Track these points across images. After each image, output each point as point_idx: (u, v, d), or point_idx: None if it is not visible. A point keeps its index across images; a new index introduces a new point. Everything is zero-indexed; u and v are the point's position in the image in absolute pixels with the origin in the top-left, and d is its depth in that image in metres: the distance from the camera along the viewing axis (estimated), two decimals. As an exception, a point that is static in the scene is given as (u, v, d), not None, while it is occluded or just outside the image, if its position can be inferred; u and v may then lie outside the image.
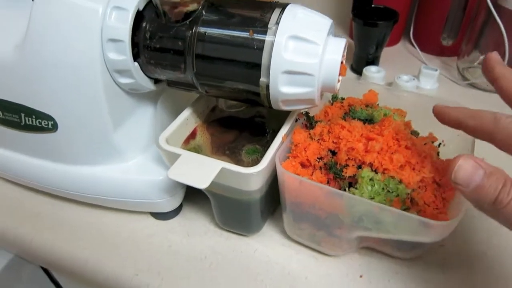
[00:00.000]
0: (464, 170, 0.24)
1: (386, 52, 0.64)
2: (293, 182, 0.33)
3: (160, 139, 0.35)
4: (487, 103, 0.56)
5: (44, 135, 0.38)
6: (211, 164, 0.33)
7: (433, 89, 0.59)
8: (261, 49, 0.30)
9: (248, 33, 0.30)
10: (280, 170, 0.33)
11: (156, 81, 0.38)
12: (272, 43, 0.29)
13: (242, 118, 0.42)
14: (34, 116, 0.37)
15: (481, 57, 0.59)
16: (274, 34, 0.29)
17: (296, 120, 0.38)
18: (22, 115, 0.38)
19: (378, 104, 0.42)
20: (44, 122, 0.37)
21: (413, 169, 0.33)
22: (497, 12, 0.53)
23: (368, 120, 0.39)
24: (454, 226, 0.29)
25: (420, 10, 0.67)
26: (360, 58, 0.62)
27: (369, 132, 0.35)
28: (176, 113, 0.42)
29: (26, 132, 0.39)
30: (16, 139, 0.40)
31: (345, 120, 0.39)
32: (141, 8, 0.33)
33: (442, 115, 0.30)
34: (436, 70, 0.58)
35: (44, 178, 0.41)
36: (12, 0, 0.42)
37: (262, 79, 0.31)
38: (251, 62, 0.30)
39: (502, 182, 0.23)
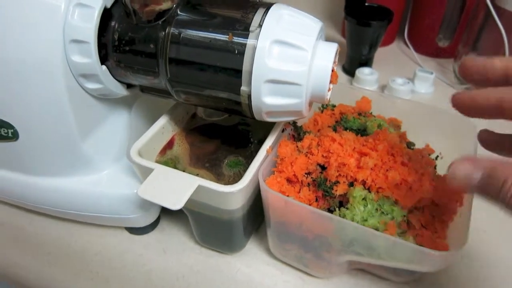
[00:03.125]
0: (462, 168, 0.22)
1: (380, 53, 0.60)
2: (278, 201, 0.30)
3: (131, 150, 0.32)
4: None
5: (3, 144, 0.34)
6: (186, 181, 0.29)
7: (429, 93, 0.56)
8: (241, 54, 0.26)
9: (227, 36, 0.27)
10: (263, 188, 0.30)
11: (129, 86, 0.34)
12: (254, 48, 0.26)
13: (224, 126, 0.38)
14: (-9, 123, 0.33)
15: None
16: (257, 37, 0.26)
17: (283, 131, 0.35)
18: (-22, 121, 0.34)
19: (371, 113, 0.39)
20: (3, 130, 0.33)
21: (410, 188, 0.30)
22: (496, 13, 0.50)
23: (361, 131, 0.36)
24: (457, 257, 0.26)
25: (415, 9, 0.64)
26: (353, 59, 0.59)
27: (362, 146, 0.32)
28: (153, 119, 0.39)
29: (-18, 140, 0.35)
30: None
31: (336, 131, 0.35)
32: (108, 6, 0.30)
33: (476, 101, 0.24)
34: (432, 73, 0.55)
35: (5, 189, 0.37)
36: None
37: (243, 88, 0.27)
38: (230, 69, 0.27)
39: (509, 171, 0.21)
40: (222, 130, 0.38)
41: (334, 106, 0.39)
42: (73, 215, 0.37)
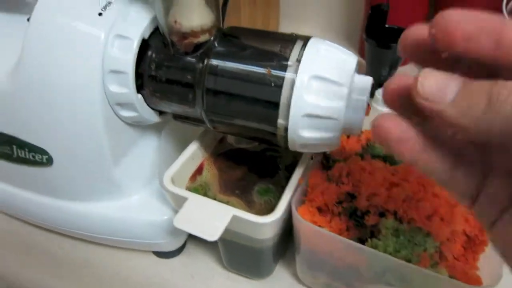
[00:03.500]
0: (434, 79, 0.16)
1: (398, 72, 0.61)
2: (310, 231, 0.30)
3: (164, 178, 0.32)
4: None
5: (37, 169, 0.35)
6: (221, 211, 0.30)
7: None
8: (279, 88, 0.27)
9: (265, 70, 0.27)
10: (297, 218, 0.30)
11: (161, 112, 0.35)
12: (293, 83, 0.26)
13: (252, 151, 0.39)
14: (27, 149, 0.34)
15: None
16: (295, 72, 0.26)
17: (312, 158, 0.35)
18: (14, 147, 0.34)
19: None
20: (38, 156, 0.34)
21: (442, 219, 0.30)
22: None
23: (389, 158, 0.36)
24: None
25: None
26: (373, 80, 0.59)
27: (392, 175, 0.32)
28: (182, 144, 0.39)
29: (18, 165, 0.35)
30: (7, 170, 0.37)
31: (363, 158, 0.36)
32: (146, 37, 0.30)
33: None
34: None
35: (37, 213, 0.38)
36: (5, 20, 0.39)
37: (280, 121, 0.28)
38: (268, 102, 0.28)
39: (488, 84, 0.15)
40: (250, 156, 0.39)
41: (361, 131, 0.39)
42: (103, 239, 0.37)
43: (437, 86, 0.16)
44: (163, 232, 0.36)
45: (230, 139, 0.38)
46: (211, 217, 0.29)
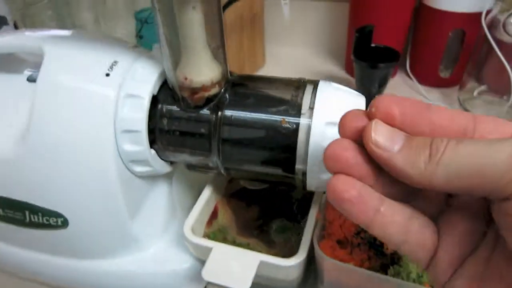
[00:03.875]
0: (385, 129, 0.18)
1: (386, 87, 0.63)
2: (334, 266, 0.31)
3: (185, 229, 0.32)
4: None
5: (52, 232, 0.34)
6: (247, 258, 0.30)
7: (439, 125, 0.58)
8: (295, 135, 0.28)
9: (280, 119, 0.28)
10: (320, 255, 0.31)
11: (172, 162, 0.35)
12: (308, 129, 0.27)
13: (261, 189, 0.39)
14: (40, 214, 0.33)
15: (481, 87, 0.60)
16: (310, 118, 0.27)
17: (324, 192, 0.36)
18: (27, 212, 0.34)
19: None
20: (53, 219, 0.33)
21: (458, 241, 0.32)
22: (497, 46, 0.53)
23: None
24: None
25: (415, 44, 0.67)
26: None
27: (406, 202, 0.33)
28: (192, 187, 0.40)
29: (31, 229, 0.35)
30: (19, 235, 0.36)
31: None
32: (155, 93, 0.31)
33: None
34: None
35: (53, 274, 0.37)
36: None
37: (298, 166, 0.28)
38: (284, 149, 0.28)
39: (428, 139, 0.17)
40: (262, 193, 0.39)
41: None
42: (124, 294, 0.37)
43: (387, 135, 0.18)
44: (186, 280, 0.36)
45: (243, 181, 0.39)
46: (239, 265, 0.30)
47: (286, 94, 0.29)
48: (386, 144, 0.18)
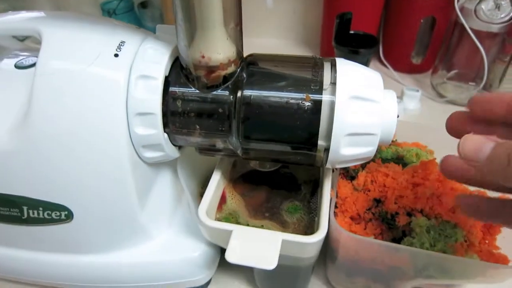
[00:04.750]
0: (471, 142, 0.22)
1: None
2: (350, 241, 0.32)
3: (200, 215, 0.31)
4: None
5: (54, 227, 0.32)
6: (269, 238, 0.30)
7: (416, 109, 0.61)
8: (318, 111, 0.28)
9: (302, 95, 0.28)
10: (338, 230, 0.31)
11: (180, 147, 0.34)
12: (331, 105, 0.27)
13: (267, 171, 0.39)
14: (40, 208, 0.31)
15: (452, 72, 0.63)
16: (332, 95, 0.28)
17: (333, 171, 0.36)
18: (24, 208, 0.31)
19: (396, 140, 0.42)
20: (55, 213, 0.31)
21: (463, 209, 0.33)
22: (466, 33, 0.56)
23: (398, 159, 0.39)
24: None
25: (387, 31, 0.69)
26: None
27: (412, 177, 0.35)
28: (195, 174, 0.39)
29: (30, 226, 0.32)
30: (15, 234, 0.33)
31: (374, 161, 0.38)
32: (167, 74, 0.30)
33: None
34: (418, 90, 0.60)
35: (57, 274, 0.35)
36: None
37: (321, 142, 0.29)
38: (307, 126, 0.28)
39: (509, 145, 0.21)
40: (266, 176, 0.39)
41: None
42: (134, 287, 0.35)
43: (473, 148, 0.22)
44: (198, 268, 0.35)
45: (254, 163, 0.38)
46: (262, 245, 0.29)
47: (304, 71, 0.29)
48: (473, 156, 0.22)
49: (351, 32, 0.61)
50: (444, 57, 0.62)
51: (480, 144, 0.22)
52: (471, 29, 0.56)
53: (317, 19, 0.73)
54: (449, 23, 0.60)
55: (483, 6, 0.55)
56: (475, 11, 0.54)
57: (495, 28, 0.55)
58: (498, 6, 0.55)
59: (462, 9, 0.57)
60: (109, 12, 0.75)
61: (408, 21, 0.65)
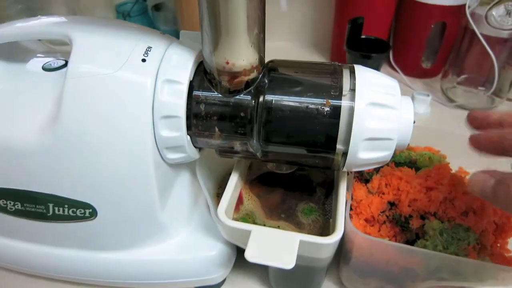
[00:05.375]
0: (476, 181, 0.27)
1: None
2: (364, 242, 0.33)
3: (219, 214, 0.32)
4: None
5: (78, 224, 0.33)
6: (287, 238, 0.31)
7: (426, 113, 0.62)
8: (338, 116, 0.29)
9: (323, 100, 0.29)
10: (353, 231, 0.32)
11: (200, 148, 0.35)
12: (350, 111, 0.28)
13: (283, 173, 0.40)
14: (66, 206, 0.32)
15: (462, 77, 0.64)
16: (351, 101, 0.29)
17: (348, 174, 0.37)
18: (50, 205, 0.33)
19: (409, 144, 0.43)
20: (80, 211, 0.32)
21: (475, 213, 0.34)
22: (476, 38, 0.57)
23: (411, 163, 0.40)
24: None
25: (398, 36, 0.70)
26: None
27: (426, 181, 0.36)
28: (212, 175, 0.40)
29: (54, 223, 0.33)
30: (40, 230, 0.35)
31: (388, 165, 0.39)
32: (191, 78, 0.31)
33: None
34: (428, 95, 0.61)
35: (78, 269, 0.36)
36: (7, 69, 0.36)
37: (339, 147, 0.30)
38: (327, 130, 0.29)
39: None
40: (282, 178, 0.40)
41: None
42: (154, 285, 0.36)
43: (479, 183, 0.27)
44: (214, 266, 0.36)
45: (271, 166, 0.39)
46: (280, 245, 0.30)
47: (324, 78, 0.30)
48: (480, 193, 0.27)
49: (363, 36, 0.62)
50: (454, 62, 0.63)
51: (484, 181, 0.26)
52: (481, 34, 0.56)
53: (329, 23, 0.74)
54: (459, 28, 0.61)
55: (494, 12, 0.55)
56: (486, 17, 0.55)
57: (505, 34, 0.56)
58: (509, 12, 0.55)
59: (473, 14, 0.58)
60: (123, 14, 0.76)
61: (419, 26, 0.66)
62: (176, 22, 0.76)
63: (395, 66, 0.70)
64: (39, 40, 0.49)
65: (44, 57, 0.37)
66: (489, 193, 0.26)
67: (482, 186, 0.27)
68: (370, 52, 0.59)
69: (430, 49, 0.68)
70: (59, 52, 0.39)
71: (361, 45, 0.60)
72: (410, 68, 0.70)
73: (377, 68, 0.60)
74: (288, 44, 0.81)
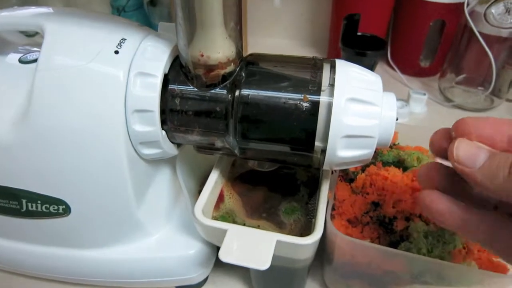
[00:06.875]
0: (465, 148, 0.21)
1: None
2: (347, 243, 0.32)
3: (196, 213, 0.31)
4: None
5: (51, 221, 0.32)
6: (263, 238, 0.30)
7: (422, 113, 0.60)
8: (316, 112, 0.28)
9: (300, 96, 0.28)
10: (333, 233, 0.31)
11: (179, 144, 0.34)
12: (329, 107, 0.27)
13: (267, 171, 0.39)
14: (39, 202, 0.32)
15: (461, 76, 0.62)
16: (330, 96, 0.27)
17: (332, 173, 0.36)
18: (23, 201, 0.32)
19: (398, 143, 0.42)
20: (53, 207, 0.32)
21: (463, 215, 0.33)
22: (475, 37, 0.55)
23: (399, 163, 0.38)
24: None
25: (396, 34, 0.69)
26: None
27: (412, 181, 0.34)
28: (194, 172, 0.39)
29: (27, 219, 0.33)
30: (13, 227, 0.34)
31: (374, 165, 0.38)
32: (166, 71, 0.30)
33: None
34: (425, 94, 0.60)
35: (53, 267, 0.35)
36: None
37: (318, 144, 0.28)
38: (305, 126, 0.28)
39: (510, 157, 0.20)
40: (266, 176, 0.39)
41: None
42: (130, 283, 0.36)
43: (468, 154, 0.21)
44: (193, 266, 0.35)
45: (252, 163, 0.38)
46: (256, 245, 0.29)
47: (303, 72, 0.29)
48: (467, 161, 0.21)
49: (359, 33, 0.60)
50: (452, 61, 0.61)
51: (476, 150, 0.21)
52: (480, 33, 0.55)
53: (326, 20, 0.73)
54: (458, 26, 0.59)
55: (493, 10, 0.54)
56: (484, 15, 0.54)
57: (504, 33, 0.54)
58: (508, 11, 0.54)
59: (471, 13, 0.56)
60: (118, 9, 0.76)
61: (417, 24, 0.64)
62: (171, 17, 0.75)
63: (393, 64, 0.69)
64: (33, 35, 0.48)
65: (23, 50, 0.37)
66: (478, 166, 0.20)
67: (472, 155, 0.21)
68: (366, 49, 0.57)
69: (429, 48, 0.67)
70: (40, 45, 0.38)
71: (357, 42, 0.59)
72: (408, 66, 0.69)
73: (372, 65, 0.59)
74: (285, 41, 0.80)
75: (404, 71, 0.68)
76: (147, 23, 0.78)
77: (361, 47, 0.58)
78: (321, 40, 0.77)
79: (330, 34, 0.73)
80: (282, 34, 0.80)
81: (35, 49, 0.37)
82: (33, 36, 0.63)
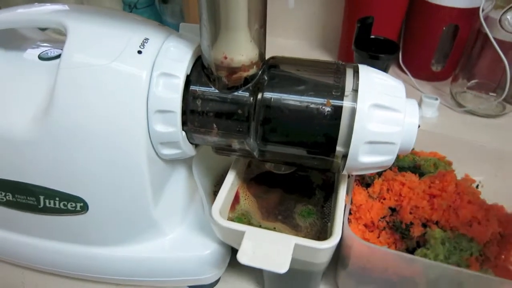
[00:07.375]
0: None
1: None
2: (362, 248, 0.31)
3: (213, 213, 0.31)
4: (485, 130, 0.58)
5: (69, 218, 0.32)
6: (282, 241, 0.30)
7: (434, 117, 0.60)
8: (338, 117, 0.28)
9: (323, 100, 0.28)
10: (351, 237, 0.31)
11: (197, 145, 0.34)
12: (352, 112, 0.27)
13: (282, 173, 0.39)
14: (57, 199, 0.32)
15: (473, 82, 0.62)
16: (353, 102, 0.27)
17: (349, 177, 0.36)
18: (41, 197, 0.32)
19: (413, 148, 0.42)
20: (71, 204, 0.32)
21: (479, 223, 0.33)
22: (489, 42, 0.55)
23: (415, 169, 0.38)
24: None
25: (408, 37, 0.69)
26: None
27: (429, 188, 0.34)
28: (210, 172, 0.39)
29: (44, 215, 0.33)
30: (30, 222, 0.34)
31: (391, 169, 0.38)
32: (188, 72, 0.30)
33: None
34: (437, 99, 0.59)
35: (67, 263, 0.35)
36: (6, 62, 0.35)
37: (339, 149, 0.28)
38: (327, 131, 0.28)
39: None
40: (281, 178, 0.39)
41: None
42: (145, 282, 0.36)
43: None
44: (208, 266, 0.35)
45: (269, 165, 0.38)
46: (274, 248, 0.29)
47: (326, 77, 0.29)
48: None
49: (372, 36, 0.60)
50: (465, 66, 0.61)
51: None
52: (494, 39, 0.55)
53: (337, 22, 0.73)
54: (472, 31, 0.59)
55: (508, 16, 0.54)
56: (500, 21, 0.53)
57: (519, 39, 0.54)
58: (524, 17, 0.53)
59: (486, 18, 0.56)
60: (130, 6, 0.76)
61: (430, 28, 0.64)
62: (183, 15, 0.75)
63: (404, 68, 0.69)
64: (44, 29, 0.48)
65: (42, 46, 0.36)
66: None
67: None
68: (379, 52, 0.57)
69: (441, 52, 0.66)
70: (59, 42, 0.38)
71: (369, 45, 0.59)
72: (420, 70, 0.68)
73: (385, 69, 0.59)
74: (296, 41, 0.80)
75: (415, 75, 0.68)
76: (159, 20, 0.78)
77: (373, 50, 0.57)
78: (332, 42, 0.77)
79: (342, 36, 0.72)
80: (293, 34, 0.80)
81: (49, 45, 0.37)
82: (44, 30, 0.63)
